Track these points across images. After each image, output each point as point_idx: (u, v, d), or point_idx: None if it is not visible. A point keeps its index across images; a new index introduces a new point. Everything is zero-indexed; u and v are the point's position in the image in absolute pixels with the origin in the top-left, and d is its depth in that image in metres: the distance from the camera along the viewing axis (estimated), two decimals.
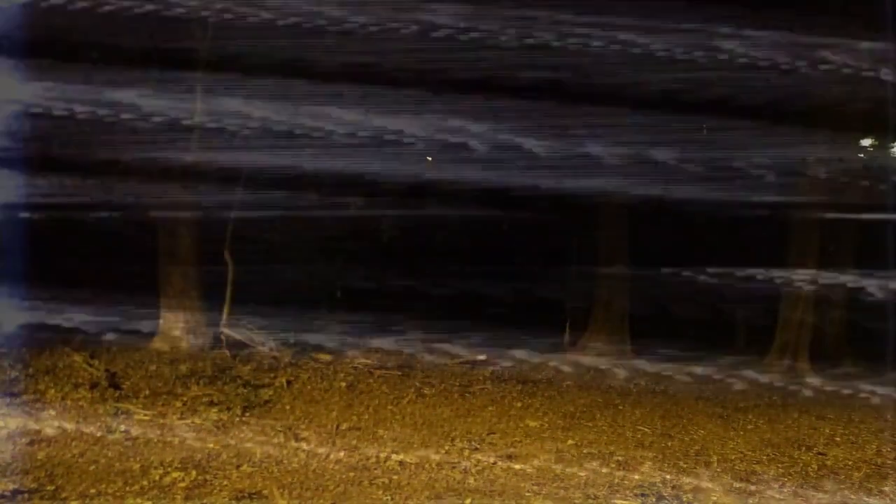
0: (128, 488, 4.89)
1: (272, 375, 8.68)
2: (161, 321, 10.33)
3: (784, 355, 10.31)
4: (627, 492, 5.08)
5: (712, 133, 10.87)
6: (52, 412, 6.72)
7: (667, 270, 11.15)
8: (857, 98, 9.62)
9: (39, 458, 5.45)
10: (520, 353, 10.51)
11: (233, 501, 4.73)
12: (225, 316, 10.13)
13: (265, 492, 4.88)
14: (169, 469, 5.24)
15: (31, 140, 9.58)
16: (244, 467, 5.35)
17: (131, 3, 8.48)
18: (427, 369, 9.54)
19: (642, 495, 5.01)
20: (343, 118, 9.92)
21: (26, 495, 4.72)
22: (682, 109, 9.50)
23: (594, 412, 7.45)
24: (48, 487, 4.86)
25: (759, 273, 10.76)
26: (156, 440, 6.01)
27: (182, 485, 4.97)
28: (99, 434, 6.10)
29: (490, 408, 7.55)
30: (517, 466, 5.57)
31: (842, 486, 5.35)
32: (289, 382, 8.36)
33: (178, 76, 9.57)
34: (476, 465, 5.55)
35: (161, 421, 6.57)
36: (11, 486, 4.81)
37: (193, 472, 5.17)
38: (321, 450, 5.84)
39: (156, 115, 9.37)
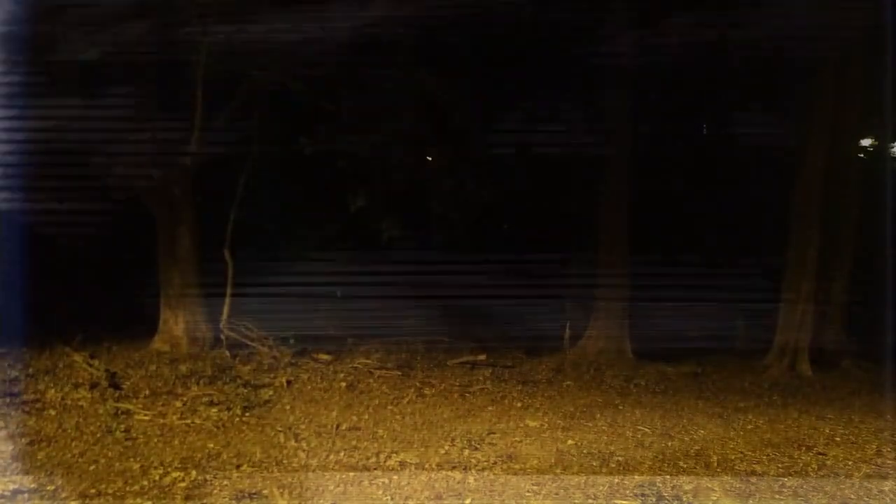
0: (128, 488, 4.89)
1: (272, 375, 8.68)
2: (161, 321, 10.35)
3: None
4: (627, 492, 5.08)
5: None
6: (52, 412, 6.72)
7: None
8: None
9: (39, 457, 5.46)
10: None
11: (233, 501, 4.73)
12: (225, 316, 10.13)
13: (265, 492, 4.88)
14: (169, 469, 5.25)
15: None
16: (244, 467, 5.36)
17: None
18: (427, 369, 9.54)
19: (642, 495, 5.01)
20: None
21: (26, 495, 4.72)
22: None
23: (594, 412, 7.45)
24: (48, 487, 4.86)
25: None
26: (156, 440, 6.02)
27: (182, 485, 4.97)
28: (99, 434, 6.10)
29: (490, 408, 7.55)
30: (517, 466, 5.57)
31: (842, 486, 5.35)
32: (289, 382, 8.37)
33: None
34: (476, 465, 5.55)
35: (161, 421, 6.58)
36: (11, 486, 4.81)
37: (193, 472, 5.18)
38: (321, 450, 5.84)
39: None
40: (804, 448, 6.29)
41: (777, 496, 5.11)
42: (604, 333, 11.00)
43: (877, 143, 12.79)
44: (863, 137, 12.16)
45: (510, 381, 8.96)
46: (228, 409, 7.00)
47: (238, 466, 5.37)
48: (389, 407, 7.45)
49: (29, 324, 9.04)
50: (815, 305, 10.37)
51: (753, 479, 5.42)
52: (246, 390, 7.79)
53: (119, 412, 6.78)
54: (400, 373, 9.15)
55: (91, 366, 8.50)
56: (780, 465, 5.78)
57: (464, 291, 14.16)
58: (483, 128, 11.69)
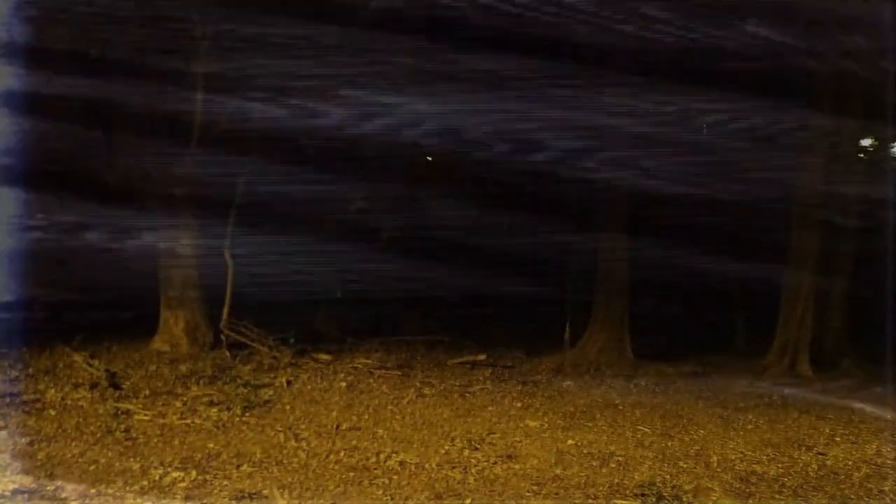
0: (128, 488, 4.89)
1: (272, 375, 8.68)
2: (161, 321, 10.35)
3: None
4: (627, 492, 5.08)
5: None
6: (52, 412, 6.72)
7: None
8: None
9: (39, 457, 5.46)
10: None
11: (233, 501, 4.73)
12: (225, 315, 10.12)
13: (265, 492, 4.88)
14: (169, 469, 5.25)
15: None
16: (244, 467, 5.36)
17: None
18: (427, 369, 9.54)
19: (642, 495, 5.01)
20: None
21: (26, 495, 4.72)
22: None
23: (594, 412, 7.45)
24: (48, 487, 4.86)
25: None
26: (156, 440, 6.02)
27: (182, 485, 4.97)
28: (99, 434, 6.10)
29: (490, 408, 7.54)
30: (517, 466, 5.57)
31: (842, 486, 5.35)
32: (289, 382, 8.37)
33: None
34: (476, 465, 5.55)
35: (161, 421, 6.58)
36: (11, 486, 4.81)
37: (193, 472, 5.18)
38: (321, 450, 5.84)
39: None
40: (804, 448, 6.29)
41: (777, 496, 5.11)
42: (604, 333, 11.00)
43: (877, 143, 12.79)
44: (863, 137, 12.15)
45: (510, 381, 8.96)
46: (228, 409, 7.00)
47: (238, 466, 5.37)
48: (389, 407, 7.45)
49: (29, 324, 9.06)
50: (815, 305, 10.37)
51: (753, 479, 5.42)
52: (246, 390, 7.78)
53: (119, 412, 6.78)
54: (400, 373, 9.15)
55: (91, 366, 8.50)
56: (780, 465, 5.78)
57: (463, 290, 14.22)
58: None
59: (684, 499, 4.99)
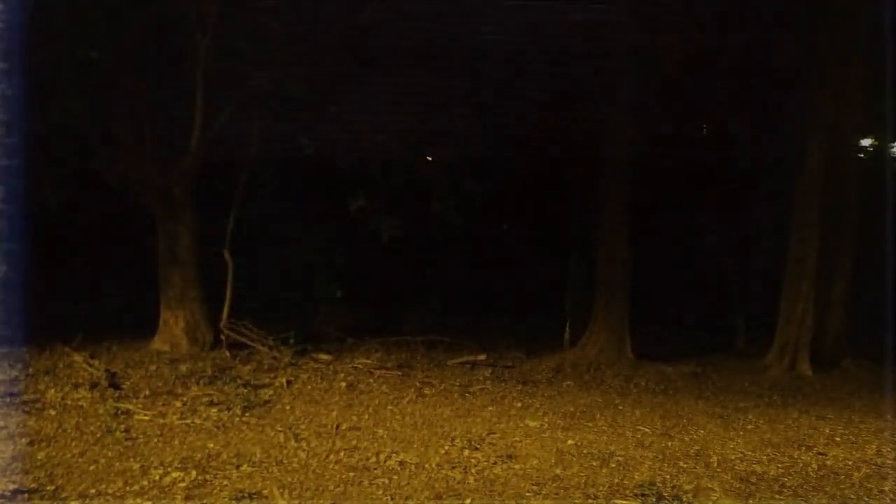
0: (128, 488, 4.89)
1: (272, 375, 8.68)
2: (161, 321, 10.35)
3: None
4: (627, 492, 5.08)
5: None
6: (52, 412, 6.72)
7: None
8: None
9: (39, 457, 5.46)
10: None
11: (233, 501, 4.73)
12: (225, 316, 10.13)
13: (265, 492, 4.88)
14: (169, 469, 5.24)
15: None
16: (244, 467, 5.35)
17: None
18: (427, 369, 9.54)
19: (642, 495, 5.01)
20: None
21: (26, 495, 4.72)
22: None
23: (594, 412, 7.45)
24: (48, 487, 4.86)
25: None
26: (156, 440, 6.02)
27: (182, 485, 4.97)
28: (99, 434, 6.10)
29: (490, 408, 7.54)
30: (517, 466, 5.57)
31: (842, 486, 5.35)
32: (289, 382, 8.37)
33: None
34: (476, 465, 5.55)
35: (161, 421, 6.58)
36: (11, 486, 4.81)
37: (193, 472, 5.18)
38: (321, 450, 5.84)
39: None
40: (804, 448, 6.29)
41: (777, 496, 5.11)
42: (604, 333, 11.00)
43: (877, 143, 12.79)
44: (863, 137, 12.16)
45: (510, 381, 8.96)
46: (228, 409, 7.00)
47: (238, 466, 5.37)
48: (389, 407, 7.45)
49: (29, 324, 9.04)
50: (815, 305, 10.37)
51: (753, 479, 5.42)
52: (246, 390, 7.79)
53: (119, 412, 6.78)
54: (400, 373, 9.15)
55: (91, 366, 8.50)
56: (780, 465, 5.78)
57: (463, 289, 14.23)
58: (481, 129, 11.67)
59: (684, 499, 4.99)
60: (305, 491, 4.93)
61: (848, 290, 10.79)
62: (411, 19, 9.79)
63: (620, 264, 11.14)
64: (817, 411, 7.72)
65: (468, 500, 4.86)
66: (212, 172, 10.64)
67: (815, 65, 10.44)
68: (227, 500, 4.75)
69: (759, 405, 7.99)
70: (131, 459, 5.46)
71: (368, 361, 9.66)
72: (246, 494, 4.82)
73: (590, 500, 4.92)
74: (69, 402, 7.06)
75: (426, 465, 5.52)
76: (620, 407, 7.75)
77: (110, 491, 4.84)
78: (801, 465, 5.81)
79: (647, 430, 6.78)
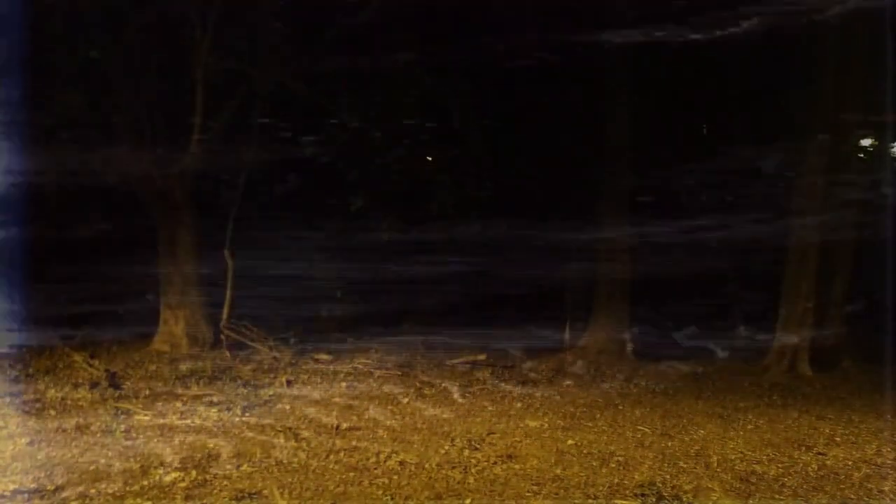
0: (128, 488, 4.89)
1: (272, 375, 8.68)
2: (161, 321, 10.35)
3: None
4: (627, 492, 5.08)
5: None
6: (52, 412, 6.72)
7: None
8: None
9: (39, 457, 5.46)
10: None
11: (233, 501, 4.73)
12: (225, 316, 10.13)
13: (265, 492, 4.88)
14: (169, 469, 5.25)
15: None
16: (244, 467, 5.36)
17: None
18: (427, 369, 9.54)
19: (642, 495, 5.01)
20: None
21: (26, 495, 4.72)
22: None
23: (594, 412, 7.45)
24: (48, 487, 4.86)
25: None
26: (156, 440, 6.01)
27: (182, 485, 4.97)
28: (99, 434, 6.10)
29: (490, 408, 7.54)
30: (517, 466, 5.57)
31: (842, 486, 5.35)
32: (289, 382, 8.37)
33: None
34: (476, 465, 5.55)
35: (161, 421, 6.58)
36: (11, 486, 4.81)
37: (193, 472, 5.18)
38: (321, 450, 5.84)
39: None
40: (804, 448, 6.29)
41: (777, 496, 5.11)
42: (604, 333, 11.00)
43: (877, 143, 12.78)
44: (863, 137, 12.15)
45: (510, 381, 8.96)
46: (228, 409, 7.00)
47: (238, 466, 5.37)
48: (389, 407, 7.45)
49: (29, 323, 9.05)
50: (815, 305, 10.36)
51: (753, 479, 5.42)
52: (246, 390, 7.79)
53: (119, 412, 6.78)
54: (400, 373, 9.15)
55: (91, 366, 8.51)
56: (780, 465, 5.78)
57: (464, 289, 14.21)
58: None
59: (684, 499, 4.99)
60: (305, 491, 4.93)
61: (848, 290, 10.78)
62: (411, 17, 9.81)
63: (620, 264, 11.14)
64: (817, 411, 7.71)
65: (468, 500, 4.86)
66: (212, 172, 10.64)
67: (815, 65, 10.44)
68: (227, 500, 4.75)
69: (759, 405, 7.98)
70: (131, 459, 5.46)
71: (368, 361, 9.66)
72: (246, 494, 4.82)
73: (590, 500, 4.92)
74: (69, 402, 7.06)
75: (426, 465, 5.52)
76: (620, 407, 7.75)
77: (110, 491, 4.84)
78: (801, 465, 5.81)
79: (647, 430, 6.78)
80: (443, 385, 8.58)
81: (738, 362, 10.64)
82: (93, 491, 4.83)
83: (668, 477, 5.41)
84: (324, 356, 9.76)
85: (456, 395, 8.12)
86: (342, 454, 5.74)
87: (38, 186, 10.10)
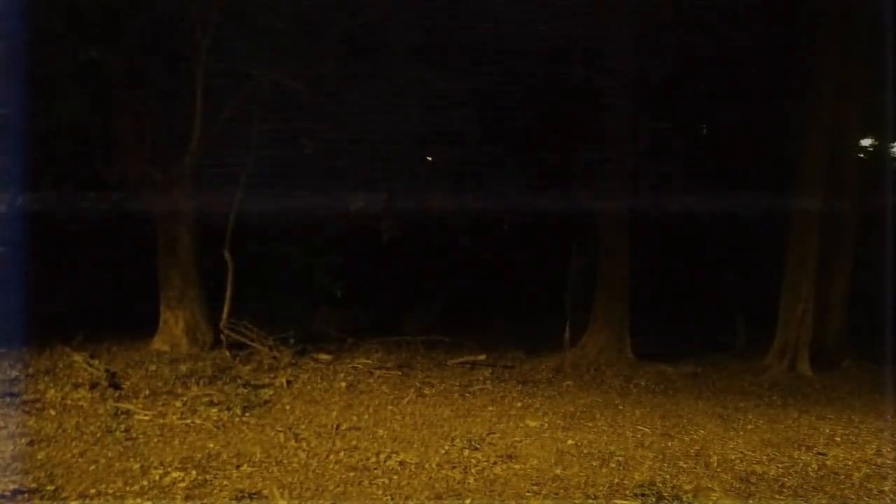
0: (128, 488, 4.89)
1: (272, 375, 8.69)
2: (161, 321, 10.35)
3: None
4: (627, 492, 5.08)
5: None
6: (52, 412, 6.72)
7: None
8: None
9: (39, 457, 5.46)
10: None
11: (233, 501, 4.73)
12: (225, 316, 10.12)
13: (265, 492, 4.88)
14: (169, 469, 5.24)
15: None
16: (244, 467, 5.36)
17: None
18: (427, 369, 9.54)
19: (642, 495, 5.01)
20: None
21: (26, 495, 4.72)
22: None
23: (594, 412, 7.45)
24: (48, 487, 4.86)
25: None
26: (156, 440, 6.02)
27: (182, 485, 4.97)
28: (99, 434, 6.10)
29: (490, 408, 7.54)
30: (517, 466, 5.57)
31: (842, 486, 5.35)
32: (289, 382, 8.37)
33: None
34: (476, 465, 5.55)
35: (161, 421, 6.58)
36: (11, 486, 4.81)
37: (193, 472, 5.18)
38: (321, 450, 5.84)
39: None
40: (804, 448, 6.29)
41: (777, 496, 5.11)
42: (604, 333, 11.00)
43: (877, 143, 12.79)
44: (863, 137, 12.16)
45: (510, 381, 8.96)
46: (228, 409, 7.00)
47: (238, 466, 5.37)
48: (389, 407, 7.45)
49: (29, 324, 9.05)
50: (815, 305, 10.37)
51: (753, 479, 5.42)
52: (246, 390, 7.79)
53: (119, 412, 6.78)
54: (400, 373, 9.15)
55: (91, 366, 8.50)
56: (780, 465, 5.78)
57: (464, 289, 14.21)
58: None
59: (684, 499, 4.99)
60: (305, 491, 4.93)
61: (848, 290, 10.79)
62: (410, 16, 9.81)
63: (620, 264, 11.15)
64: (817, 411, 7.72)
65: (468, 500, 4.86)
66: (212, 172, 10.63)
67: (815, 65, 10.44)
68: (227, 500, 4.75)
69: (759, 405, 7.99)
70: (131, 459, 5.46)
71: (368, 361, 9.66)
72: (246, 494, 4.82)
73: (590, 500, 4.92)
74: (69, 402, 7.06)
75: (426, 465, 5.52)
76: (620, 407, 7.75)
77: (110, 491, 4.84)
78: (801, 465, 5.81)
79: (647, 430, 6.78)
80: (443, 385, 8.58)
81: (738, 362, 10.65)
82: (93, 491, 4.83)
83: (668, 477, 5.41)
84: (324, 356, 9.76)
85: (456, 395, 8.12)
86: (342, 454, 5.74)
87: (39, 186, 10.09)
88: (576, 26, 10.66)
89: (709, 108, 13.39)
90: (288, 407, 7.30)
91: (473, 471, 5.43)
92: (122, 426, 6.32)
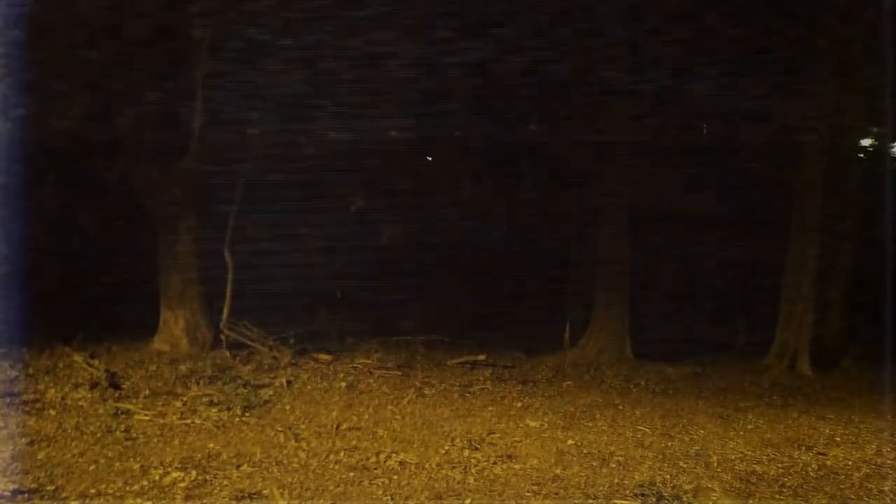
0: (128, 488, 4.89)
1: (272, 375, 8.68)
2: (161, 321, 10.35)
3: None
4: (627, 492, 5.08)
5: None
6: (52, 412, 6.72)
7: None
8: None
9: (39, 457, 5.46)
10: None
11: (233, 501, 4.73)
12: (225, 316, 10.13)
13: (265, 492, 4.88)
14: (169, 469, 5.24)
15: None
16: (244, 467, 5.36)
17: None
18: (427, 369, 9.54)
19: (642, 495, 5.01)
20: None
21: (26, 495, 4.72)
22: None
23: (594, 412, 7.45)
24: (48, 487, 4.86)
25: None
26: (156, 440, 6.02)
27: (182, 485, 4.97)
28: (99, 434, 6.10)
29: (490, 408, 7.54)
30: (517, 466, 5.57)
31: (842, 486, 5.34)
32: (289, 382, 8.37)
33: None
34: (476, 465, 5.55)
35: (161, 421, 6.58)
36: (11, 486, 4.81)
37: (193, 472, 5.17)
38: (321, 450, 5.84)
39: None
40: (804, 448, 6.29)
41: (777, 496, 5.11)
42: (604, 333, 11.00)
43: (877, 143, 12.78)
44: (863, 137, 12.15)
45: (510, 381, 8.96)
46: (228, 409, 7.00)
47: (238, 466, 5.37)
48: (389, 407, 7.45)
49: (29, 324, 9.04)
50: (815, 305, 10.36)
51: (753, 479, 5.42)
52: (246, 390, 7.79)
53: (119, 412, 6.78)
54: (400, 373, 9.15)
55: (91, 366, 8.50)
56: (780, 465, 5.78)
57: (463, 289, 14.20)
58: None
59: (684, 499, 4.99)
60: (305, 491, 4.93)
61: (848, 290, 10.78)
62: (411, 15, 9.80)
63: (620, 264, 11.15)
64: (817, 411, 7.72)
65: (468, 500, 4.86)
66: (212, 172, 10.63)
67: (815, 64, 10.44)
68: (227, 500, 4.75)
69: (759, 405, 7.99)
70: (131, 459, 5.46)
71: (368, 361, 9.66)
72: (246, 494, 4.82)
73: (590, 500, 4.92)
74: (69, 402, 7.06)
75: (426, 465, 5.52)
76: (620, 407, 7.75)
77: (110, 491, 4.84)
78: (801, 465, 5.81)
79: (647, 430, 6.78)
80: (443, 385, 8.58)
81: (738, 362, 10.65)
82: (93, 491, 4.83)
83: (668, 477, 5.41)
84: (324, 356, 9.76)
85: (456, 395, 8.12)
86: (342, 454, 5.74)
87: (39, 186, 10.09)
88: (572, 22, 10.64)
89: (708, 107, 13.37)
90: (288, 407, 7.30)
91: (473, 471, 5.43)
92: (122, 426, 6.32)
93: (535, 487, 5.12)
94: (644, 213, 11.70)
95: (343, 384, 8.42)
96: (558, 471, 5.48)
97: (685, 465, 5.71)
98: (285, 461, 5.53)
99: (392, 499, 4.84)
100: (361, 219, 11.56)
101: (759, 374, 9.89)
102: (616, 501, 4.92)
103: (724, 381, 9.38)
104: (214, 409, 6.95)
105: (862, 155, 12.22)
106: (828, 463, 5.88)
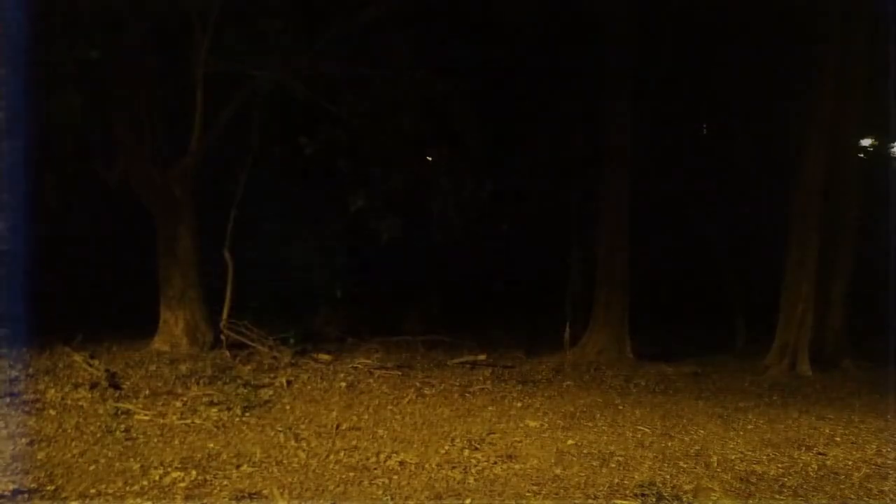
0: (128, 488, 4.89)
1: (272, 375, 8.68)
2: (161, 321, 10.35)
3: None
4: (627, 492, 5.08)
5: None
6: (52, 412, 6.72)
7: None
8: None
9: (39, 457, 5.46)
10: None
11: (233, 501, 4.73)
12: (225, 316, 10.13)
13: (265, 492, 4.88)
14: (169, 469, 5.24)
15: None
16: (244, 467, 5.36)
17: None
18: (427, 369, 9.54)
19: (642, 495, 5.01)
20: None
21: (26, 495, 4.72)
22: None
23: (594, 412, 7.45)
24: (48, 487, 4.86)
25: None
26: (156, 440, 6.02)
27: (182, 485, 4.97)
28: (99, 434, 6.10)
29: (490, 408, 7.54)
30: (517, 466, 5.57)
31: (842, 486, 5.34)
32: (289, 382, 8.37)
33: None
34: (476, 465, 5.55)
35: (161, 421, 6.58)
36: (11, 486, 4.81)
37: (193, 472, 5.18)
38: (321, 450, 5.84)
39: None
40: (804, 448, 6.29)
41: (777, 496, 5.11)
42: (604, 333, 11.00)
43: (877, 143, 12.79)
44: (863, 137, 12.15)
45: (510, 381, 8.96)
46: (228, 409, 7.00)
47: (238, 466, 5.37)
48: (389, 407, 7.45)
49: (29, 324, 9.04)
50: (815, 305, 10.36)
51: (753, 479, 5.42)
52: (246, 390, 7.79)
53: (119, 412, 6.78)
54: (400, 373, 9.15)
55: (91, 366, 8.50)
56: (780, 465, 5.78)
57: (463, 289, 14.20)
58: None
59: (684, 499, 4.98)
60: (305, 491, 4.93)
61: (848, 290, 10.78)
62: (409, 15, 9.81)
63: (620, 264, 11.15)
64: (817, 411, 7.71)
65: (468, 500, 4.86)
66: (212, 172, 10.64)
67: (815, 65, 10.44)
68: (227, 500, 4.75)
69: (759, 405, 7.98)
70: (131, 459, 5.46)
71: (368, 361, 9.66)
72: (246, 494, 4.82)
73: (590, 500, 4.92)
74: (69, 402, 7.06)
75: (426, 465, 5.52)
76: (620, 407, 7.75)
77: (110, 491, 4.84)
78: (801, 465, 5.81)
79: (647, 430, 6.78)
80: (443, 385, 8.58)
81: (738, 362, 10.65)
82: (93, 491, 4.83)
83: (668, 477, 5.41)
84: (324, 356, 9.76)
85: (456, 395, 8.12)
86: (342, 454, 5.74)
87: (39, 186, 10.09)
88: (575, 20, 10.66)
89: (709, 107, 13.39)
90: (288, 407, 7.30)
91: (473, 471, 5.43)
92: (122, 426, 6.32)
93: (535, 487, 5.12)
94: (644, 213, 11.71)
95: (343, 384, 8.42)
96: (558, 471, 5.48)
97: (685, 465, 5.71)
98: (285, 461, 5.53)
99: (392, 499, 4.84)
100: (361, 218, 11.53)
101: (759, 374, 9.89)
102: (616, 501, 4.92)
103: (724, 381, 9.38)
104: (214, 409, 6.95)
105: (862, 155, 12.23)
106: (828, 463, 5.88)
